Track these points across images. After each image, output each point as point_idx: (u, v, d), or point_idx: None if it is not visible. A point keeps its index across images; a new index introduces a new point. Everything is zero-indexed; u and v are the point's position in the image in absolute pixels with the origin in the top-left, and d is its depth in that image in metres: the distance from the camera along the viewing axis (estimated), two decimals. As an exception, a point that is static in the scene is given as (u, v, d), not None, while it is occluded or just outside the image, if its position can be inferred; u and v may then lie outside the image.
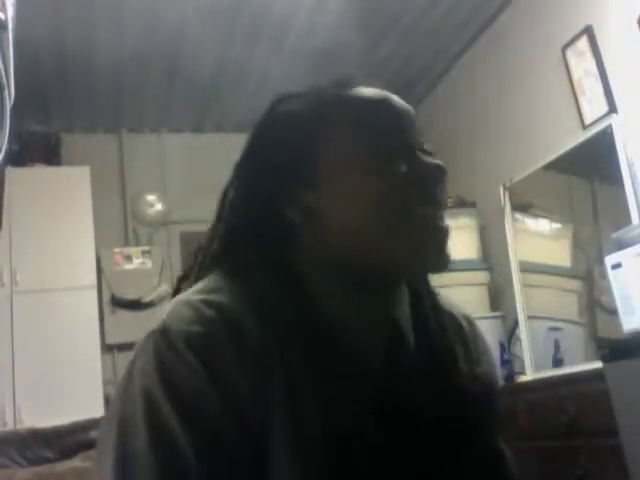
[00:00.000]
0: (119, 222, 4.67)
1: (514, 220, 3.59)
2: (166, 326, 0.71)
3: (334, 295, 0.74)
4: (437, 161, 0.75)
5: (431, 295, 0.84)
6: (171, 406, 0.65)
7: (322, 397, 0.67)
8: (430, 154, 0.76)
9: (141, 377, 0.70)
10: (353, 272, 0.74)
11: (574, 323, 3.35)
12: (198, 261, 0.82)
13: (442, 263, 0.74)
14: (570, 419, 2.51)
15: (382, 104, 0.77)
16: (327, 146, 0.75)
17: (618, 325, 2.49)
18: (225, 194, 0.84)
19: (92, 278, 4.11)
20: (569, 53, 3.19)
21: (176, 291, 0.82)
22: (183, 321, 0.70)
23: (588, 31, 3.06)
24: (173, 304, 0.74)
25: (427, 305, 0.82)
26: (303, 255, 0.75)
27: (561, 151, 3.25)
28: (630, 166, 2.88)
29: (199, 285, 0.75)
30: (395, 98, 0.79)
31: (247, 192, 0.80)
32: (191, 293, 0.74)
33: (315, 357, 0.69)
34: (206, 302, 0.70)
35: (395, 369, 0.74)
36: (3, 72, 1.50)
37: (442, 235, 0.74)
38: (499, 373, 3.35)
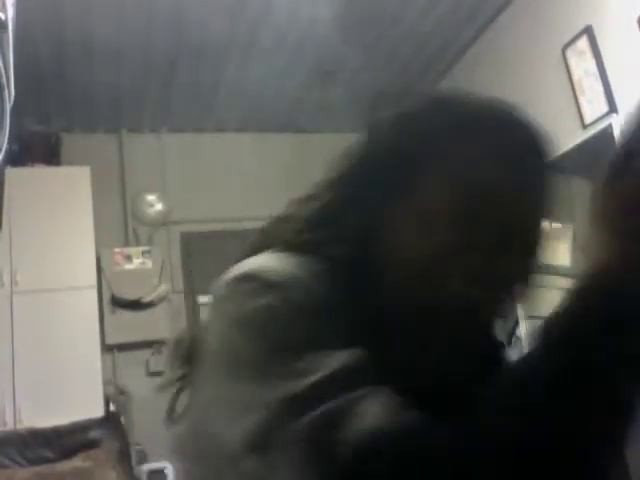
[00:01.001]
0: (119, 222, 4.67)
1: (514, 220, 3.59)
2: (246, 272, 0.69)
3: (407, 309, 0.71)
4: (532, 263, 0.75)
5: None
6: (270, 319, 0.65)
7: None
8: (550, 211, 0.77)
9: (230, 317, 0.68)
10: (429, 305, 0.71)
11: (574, 323, 3.35)
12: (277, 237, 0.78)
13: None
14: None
15: (512, 118, 0.75)
16: (415, 192, 0.72)
17: (618, 325, 2.49)
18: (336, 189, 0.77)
19: (92, 278, 4.11)
20: (569, 53, 3.19)
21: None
22: (259, 266, 0.70)
23: (588, 31, 3.06)
24: (248, 262, 0.72)
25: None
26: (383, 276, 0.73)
27: (561, 151, 3.25)
28: (630, 166, 2.88)
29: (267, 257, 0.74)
30: (525, 163, 0.75)
31: (356, 196, 0.74)
32: (266, 255, 0.73)
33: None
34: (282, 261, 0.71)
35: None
36: (3, 72, 1.50)
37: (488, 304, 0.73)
38: (499, 373, 3.35)
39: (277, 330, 0.65)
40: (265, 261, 0.71)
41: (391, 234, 0.72)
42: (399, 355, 0.68)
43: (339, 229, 0.73)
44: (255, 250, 0.76)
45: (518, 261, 0.75)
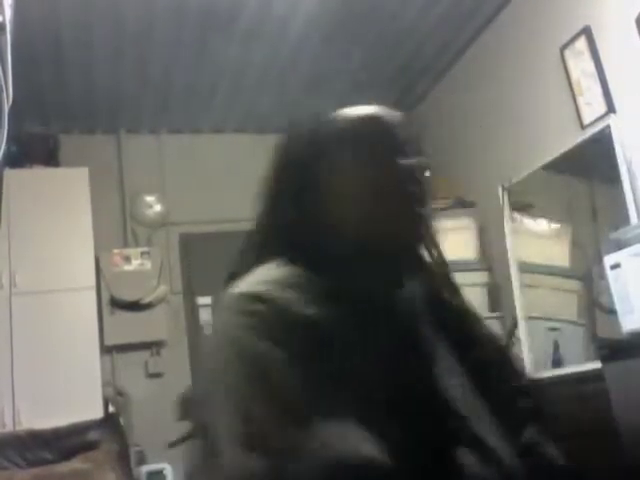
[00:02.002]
0: (118, 223, 4.66)
1: (513, 220, 3.59)
2: (242, 290, 0.81)
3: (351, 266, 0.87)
4: (414, 160, 0.91)
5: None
6: (259, 339, 0.75)
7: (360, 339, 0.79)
8: (419, 153, 0.92)
9: (228, 331, 0.79)
10: (357, 247, 0.89)
11: (573, 323, 3.35)
12: (244, 261, 0.94)
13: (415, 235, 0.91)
14: (569, 419, 2.51)
15: (367, 122, 0.94)
16: (324, 165, 0.93)
17: (617, 325, 2.49)
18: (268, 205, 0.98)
19: (91, 279, 4.10)
20: (567, 53, 3.19)
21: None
22: (254, 284, 0.82)
23: (586, 31, 3.06)
24: (240, 283, 0.84)
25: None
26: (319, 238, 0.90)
27: (560, 151, 3.25)
28: (628, 166, 2.88)
29: (257, 271, 0.87)
30: (382, 113, 0.95)
31: (270, 206, 0.96)
32: (252, 275, 0.85)
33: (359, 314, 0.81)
34: (270, 273, 0.86)
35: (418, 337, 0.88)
36: (1, 74, 1.50)
37: (416, 217, 0.90)
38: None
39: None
40: (244, 282, 0.84)
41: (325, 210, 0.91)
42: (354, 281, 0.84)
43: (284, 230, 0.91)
44: (242, 265, 0.90)
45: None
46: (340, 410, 0.70)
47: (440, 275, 0.97)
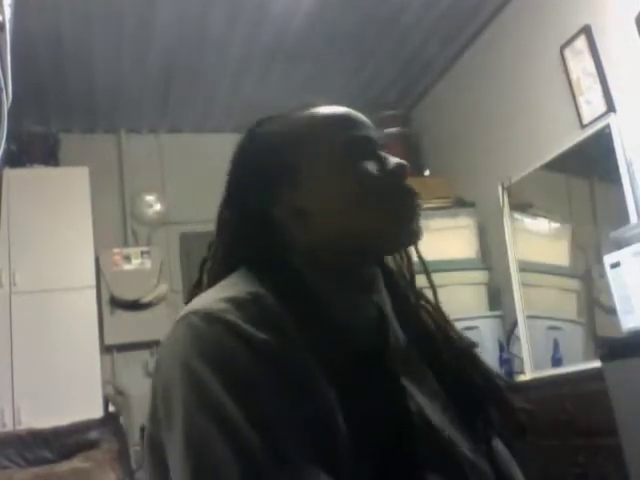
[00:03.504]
0: (118, 222, 4.66)
1: (513, 220, 3.59)
2: (195, 308, 0.75)
3: (327, 288, 0.82)
4: (399, 159, 0.86)
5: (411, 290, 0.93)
6: (210, 369, 0.69)
7: (325, 363, 0.73)
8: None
9: (177, 353, 0.73)
10: (339, 257, 0.83)
11: (573, 322, 3.36)
12: (205, 273, 0.90)
13: (413, 235, 0.84)
14: (569, 418, 2.51)
15: (344, 115, 0.88)
16: (302, 153, 0.85)
17: (617, 324, 2.49)
18: (220, 211, 0.90)
19: (91, 279, 4.10)
20: (567, 53, 3.19)
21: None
22: (209, 302, 0.75)
23: (586, 30, 3.06)
24: (194, 300, 0.79)
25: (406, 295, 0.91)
26: (297, 251, 0.83)
27: (559, 151, 3.25)
28: (628, 165, 2.88)
29: (216, 286, 0.81)
30: (355, 112, 0.89)
31: (237, 204, 0.88)
32: (208, 293, 0.80)
33: (315, 334, 0.74)
34: (224, 290, 0.78)
35: (383, 346, 0.82)
36: (1, 73, 1.50)
37: (413, 212, 0.85)
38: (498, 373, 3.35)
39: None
40: (201, 298, 0.78)
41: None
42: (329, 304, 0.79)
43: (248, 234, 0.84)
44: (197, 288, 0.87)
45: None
46: (301, 455, 0.66)
47: (406, 279, 0.93)
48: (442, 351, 0.88)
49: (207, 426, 0.66)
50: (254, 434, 0.65)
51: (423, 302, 0.92)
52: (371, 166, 0.84)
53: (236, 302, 0.73)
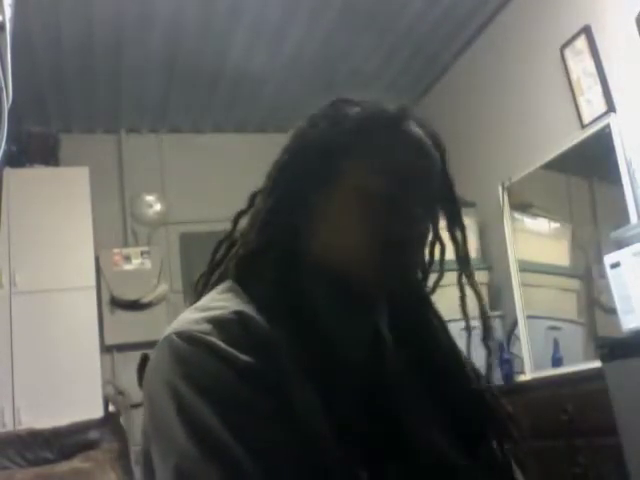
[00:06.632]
0: (118, 222, 4.67)
1: (513, 220, 3.59)
2: (177, 329, 0.74)
3: (324, 299, 0.80)
4: (420, 230, 0.85)
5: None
6: (195, 393, 0.68)
7: (318, 387, 0.72)
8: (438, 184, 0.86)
9: (161, 374, 0.73)
10: (341, 280, 0.81)
11: (573, 322, 3.35)
12: (217, 268, 0.90)
13: (395, 284, 0.82)
14: (569, 418, 2.51)
15: (407, 153, 0.83)
16: (342, 173, 0.82)
17: (617, 324, 2.49)
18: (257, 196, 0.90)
19: (91, 279, 4.10)
20: (567, 53, 3.19)
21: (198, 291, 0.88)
22: (192, 322, 0.74)
23: (586, 30, 3.06)
24: (180, 316, 0.78)
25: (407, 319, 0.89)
26: (304, 263, 0.82)
27: (560, 150, 3.25)
28: (628, 165, 2.88)
29: (203, 299, 0.81)
30: (425, 149, 0.84)
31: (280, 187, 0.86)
32: (193, 309, 0.79)
33: (309, 354, 0.74)
34: (210, 307, 0.76)
35: (378, 368, 0.81)
36: (1, 73, 1.50)
37: (400, 267, 0.82)
38: (498, 373, 3.35)
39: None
40: (187, 314, 0.77)
41: (317, 220, 0.82)
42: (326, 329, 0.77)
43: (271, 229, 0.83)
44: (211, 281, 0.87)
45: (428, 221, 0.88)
46: (292, 478, 0.65)
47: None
48: (437, 368, 0.87)
49: (194, 450, 0.65)
50: (244, 457, 0.65)
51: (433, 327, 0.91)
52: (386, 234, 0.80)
53: (219, 323, 0.72)
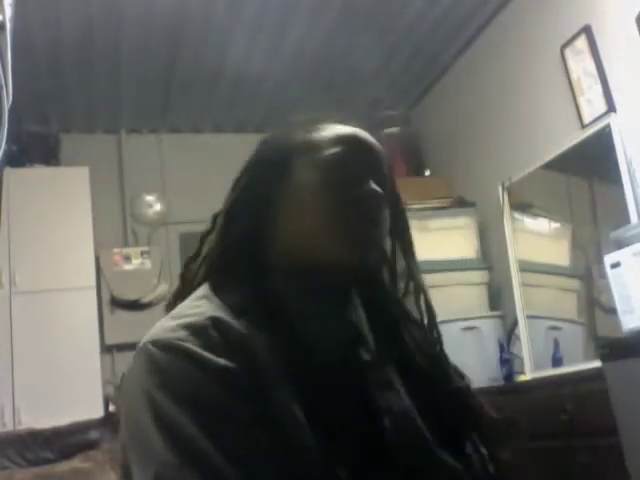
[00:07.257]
0: (118, 222, 4.66)
1: (513, 219, 3.59)
2: (152, 337, 0.74)
3: (298, 298, 0.81)
4: (376, 189, 0.84)
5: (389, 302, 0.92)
6: (173, 401, 0.68)
7: (299, 387, 0.72)
8: (385, 179, 0.87)
9: (138, 384, 0.72)
10: (311, 274, 0.82)
11: (573, 322, 3.35)
12: (193, 274, 0.92)
13: (366, 254, 0.82)
14: (569, 418, 2.51)
15: (342, 141, 0.86)
16: (289, 178, 0.86)
17: (617, 324, 2.49)
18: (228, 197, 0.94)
19: (91, 279, 4.11)
20: (568, 52, 3.19)
21: (174, 300, 0.89)
22: (168, 330, 0.74)
23: (587, 30, 3.06)
24: (156, 325, 0.78)
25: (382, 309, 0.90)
26: (272, 262, 0.83)
27: (560, 150, 3.25)
28: (629, 165, 2.88)
29: (178, 307, 0.82)
30: (358, 134, 0.88)
31: (245, 186, 0.91)
32: (169, 317, 0.79)
33: (287, 356, 0.74)
34: (185, 314, 0.76)
35: (355, 364, 0.81)
36: (1, 73, 1.50)
37: (372, 244, 0.83)
38: (498, 373, 3.36)
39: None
40: (163, 323, 0.78)
41: (277, 213, 0.84)
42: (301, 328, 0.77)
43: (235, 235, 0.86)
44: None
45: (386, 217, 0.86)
46: None
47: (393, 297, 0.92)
48: (419, 370, 0.87)
49: (174, 459, 0.65)
50: (225, 464, 0.64)
51: (409, 322, 0.91)
52: (339, 204, 0.82)
53: (195, 329, 0.72)
